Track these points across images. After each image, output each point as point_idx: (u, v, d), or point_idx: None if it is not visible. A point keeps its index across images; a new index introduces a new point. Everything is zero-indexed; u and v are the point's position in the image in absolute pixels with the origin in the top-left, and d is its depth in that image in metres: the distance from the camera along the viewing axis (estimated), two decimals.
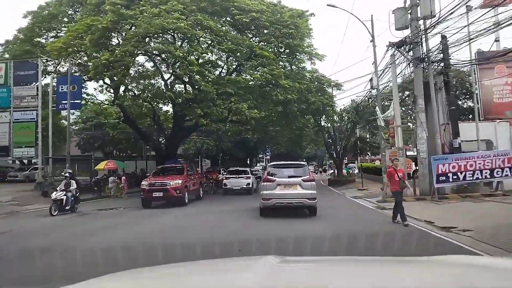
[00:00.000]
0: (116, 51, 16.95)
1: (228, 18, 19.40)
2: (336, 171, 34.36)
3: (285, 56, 21.98)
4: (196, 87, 18.19)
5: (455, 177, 14.12)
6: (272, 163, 13.17)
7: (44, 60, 23.42)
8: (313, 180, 11.31)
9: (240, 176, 20.90)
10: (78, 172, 36.61)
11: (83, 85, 28.69)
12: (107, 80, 23.83)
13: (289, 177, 10.99)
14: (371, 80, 15.55)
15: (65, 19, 26.88)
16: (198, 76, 17.05)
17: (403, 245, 7.27)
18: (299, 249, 6.66)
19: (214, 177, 21.63)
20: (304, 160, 69.11)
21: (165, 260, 5.81)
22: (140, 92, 26.23)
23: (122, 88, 25.41)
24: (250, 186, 20.38)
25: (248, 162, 63.46)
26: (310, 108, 21.33)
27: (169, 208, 14.05)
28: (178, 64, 17.83)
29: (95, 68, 18.04)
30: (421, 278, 1.60)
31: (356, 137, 30.56)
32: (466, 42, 13.84)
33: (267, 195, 10.69)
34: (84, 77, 25.77)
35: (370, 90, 15.67)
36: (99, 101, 32.61)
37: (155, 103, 28.24)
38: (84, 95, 28.79)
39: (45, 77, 25.81)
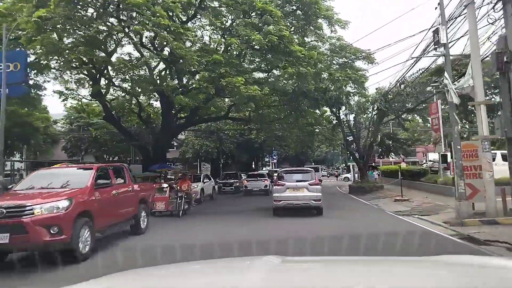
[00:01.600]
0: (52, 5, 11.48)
1: None
2: (358, 176, 28.65)
3: (296, 20, 16.25)
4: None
5: None
6: (282, 169, 15.62)
7: None
8: (319, 184, 12.50)
9: (259, 179, 23.99)
10: None
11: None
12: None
13: (297, 181, 12.13)
14: (436, 32, 9.90)
15: None
16: (169, 35, 11.42)
17: None
18: None
19: (184, 188, 12.29)
20: (313, 163, 63.49)
21: None
22: (123, 81, 21.35)
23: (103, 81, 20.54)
24: (268, 188, 22.02)
25: (253, 166, 58.06)
26: (333, 88, 15.77)
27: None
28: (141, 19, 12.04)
29: (27, 29, 12.68)
30: (421, 278, 1.58)
31: (385, 133, 24.68)
32: None
33: (278, 197, 11.84)
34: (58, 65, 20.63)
35: (435, 46, 10.06)
36: (81, 96, 27.29)
37: (140, 95, 23.46)
38: (63, 90, 23.81)
39: None
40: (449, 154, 20.72)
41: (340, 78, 15.24)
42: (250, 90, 12.19)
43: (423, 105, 20.34)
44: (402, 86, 21.16)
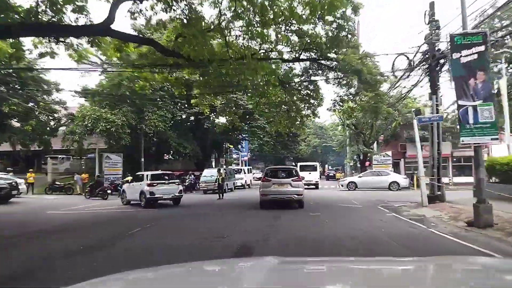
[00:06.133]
0: None
1: None
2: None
3: None
4: None
5: None
6: (269, 167, 17.26)
7: None
8: (301, 180, 14.34)
9: (170, 181, 17.32)
10: None
11: None
12: None
13: (282, 177, 14.18)
14: None
15: None
16: None
17: None
18: None
19: None
20: (293, 162, 44.47)
21: None
22: None
23: None
24: (182, 194, 17.63)
25: (213, 163, 37.36)
26: None
27: None
28: None
29: None
30: (420, 278, 1.59)
31: None
32: None
33: (265, 192, 13.81)
34: None
35: None
36: None
37: None
38: None
39: None
40: None
41: None
42: None
43: None
44: None
